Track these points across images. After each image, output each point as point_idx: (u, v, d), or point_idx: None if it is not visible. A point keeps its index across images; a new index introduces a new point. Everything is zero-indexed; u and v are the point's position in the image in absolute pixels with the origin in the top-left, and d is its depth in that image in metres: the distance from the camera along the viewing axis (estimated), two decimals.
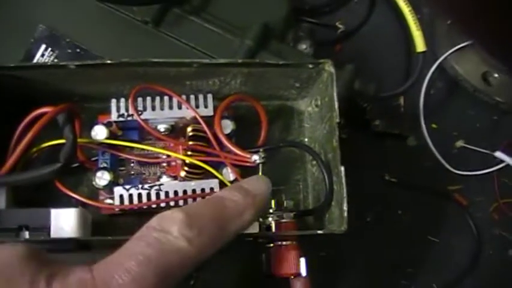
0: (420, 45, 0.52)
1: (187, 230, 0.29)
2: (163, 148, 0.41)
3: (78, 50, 0.45)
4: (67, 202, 0.41)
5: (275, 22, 0.47)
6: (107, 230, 0.41)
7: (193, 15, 0.46)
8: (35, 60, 0.45)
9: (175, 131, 0.41)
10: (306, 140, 0.44)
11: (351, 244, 0.51)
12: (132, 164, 0.41)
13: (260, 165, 0.38)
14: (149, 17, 0.45)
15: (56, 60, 0.45)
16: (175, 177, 0.40)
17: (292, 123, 0.44)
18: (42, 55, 0.45)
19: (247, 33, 0.45)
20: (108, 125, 0.40)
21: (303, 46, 0.48)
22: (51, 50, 0.45)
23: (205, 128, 0.39)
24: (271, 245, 0.38)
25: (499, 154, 0.54)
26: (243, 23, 0.46)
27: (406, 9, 0.52)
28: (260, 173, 0.38)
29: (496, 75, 0.56)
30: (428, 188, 0.54)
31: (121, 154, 0.40)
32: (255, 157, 0.38)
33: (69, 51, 0.45)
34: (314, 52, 0.48)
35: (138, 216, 0.42)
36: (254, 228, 0.36)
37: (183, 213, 0.29)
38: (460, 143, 0.55)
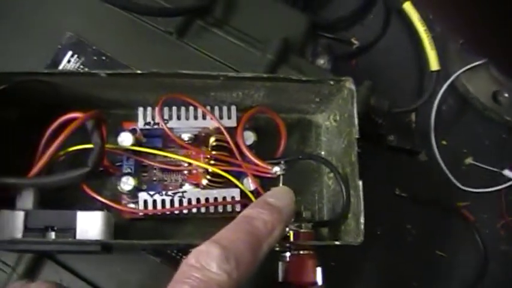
0: (434, 64, 0.53)
1: (226, 264, 0.29)
2: (186, 156, 0.42)
3: (103, 58, 0.47)
4: (89, 204, 0.42)
5: (295, 37, 0.48)
6: (126, 234, 0.42)
7: (216, 28, 0.48)
8: (61, 66, 0.46)
9: (198, 140, 0.42)
10: (323, 153, 0.45)
11: (360, 255, 0.53)
12: (154, 171, 0.42)
13: (281, 176, 0.39)
14: (173, 28, 0.47)
15: (81, 67, 0.46)
16: (196, 185, 0.41)
17: (309, 136, 0.45)
18: (69, 61, 0.47)
19: (268, 47, 0.46)
20: (132, 131, 0.41)
21: (321, 61, 0.49)
22: (77, 57, 0.47)
23: (229, 139, 0.40)
24: (287, 253, 0.39)
25: (507, 172, 0.55)
26: (264, 36, 0.47)
27: (421, 28, 0.53)
28: (281, 184, 0.39)
29: (506, 94, 0.57)
30: (437, 204, 0.55)
31: (145, 160, 0.42)
32: (276, 168, 0.39)
33: (95, 58, 0.47)
34: (332, 67, 0.50)
35: (156, 221, 0.43)
36: None
37: (219, 247, 0.30)
38: (469, 160, 0.56)
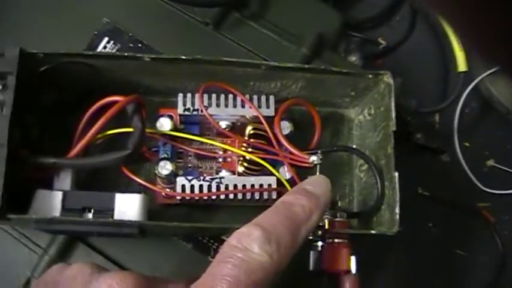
0: (462, 65, 0.54)
1: (267, 245, 0.30)
2: (223, 143, 0.42)
3: (139, 45, 0.47)
4: (123, 187, 0.42)
5: (329, 33, 0.49)
6: (159, 220, 0.43)
7: (252, 21, 0.48)
8: None
9: (234, 129, 0.43)
10: (354, 146, 0.45)
11: (381, 251, 0.53)
12: (189, 157, 0.43)
13: (318, 166, 0.40)
14: (210, 19, 0.48)
15: (117, 53, 0.47)
16: (232, 172, 0.42)
17: (342, 130, 0.46)
18: (105, 47, 0.47)
19: (303, 41, 0.47)
20: (169, 118, 0.42)
21: (352, 58, 0.50)
22: (114, 43, 0.47)
23: (267, 128, 0.40)
24: (319, 243, 0.39)
25: None
26: (299, 31, 0.48)
27: (449, 29, 0.54)
28: (318, 173, 0.40)
29: None
30: (458, 204, 0.56)
31: (181, 146, 0.42)
32: (313, 158, 0.40)
33: (131, 45, 0.47)
34: (363, 65, 0.50)
35: (188, 208, 0.43)
36: None
37: (261, 229, 0.30)
38: (490, 162, 0.57)
